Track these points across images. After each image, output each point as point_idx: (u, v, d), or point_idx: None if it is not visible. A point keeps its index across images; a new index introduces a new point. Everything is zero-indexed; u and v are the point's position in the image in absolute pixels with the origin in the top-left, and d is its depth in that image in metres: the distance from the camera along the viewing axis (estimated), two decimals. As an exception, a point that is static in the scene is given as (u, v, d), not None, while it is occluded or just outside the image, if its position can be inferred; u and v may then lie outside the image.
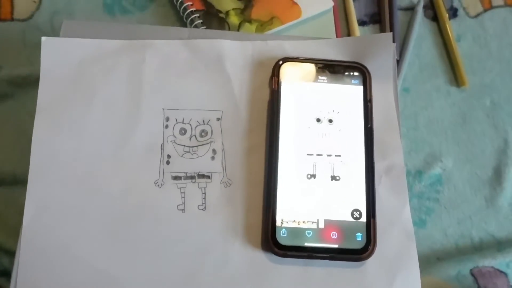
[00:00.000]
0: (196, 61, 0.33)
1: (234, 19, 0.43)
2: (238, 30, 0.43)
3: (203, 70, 0.33)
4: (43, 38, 0.32)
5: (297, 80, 0.32)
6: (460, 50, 0.47)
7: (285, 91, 0.32)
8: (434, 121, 0.45)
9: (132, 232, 0.29)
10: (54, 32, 0.44)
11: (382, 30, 0.47)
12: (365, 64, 0.33)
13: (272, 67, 0.33)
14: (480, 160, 0.44)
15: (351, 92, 0.32)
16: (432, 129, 0.45)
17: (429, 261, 0.41)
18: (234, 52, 0.33)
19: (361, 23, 0.47)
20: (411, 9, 0.48)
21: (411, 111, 0.45)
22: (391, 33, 0.33)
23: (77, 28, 0.33)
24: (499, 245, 0.42)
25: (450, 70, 0.47)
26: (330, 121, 0.31)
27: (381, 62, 0.33)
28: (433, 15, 0.49)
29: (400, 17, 0.48)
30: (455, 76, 0.47)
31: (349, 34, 0.47)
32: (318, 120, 0.31)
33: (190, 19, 0.43)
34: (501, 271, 0.41)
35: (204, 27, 0.42)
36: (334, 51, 0.34)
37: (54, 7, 0.44)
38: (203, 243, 0.29)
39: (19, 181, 0.38)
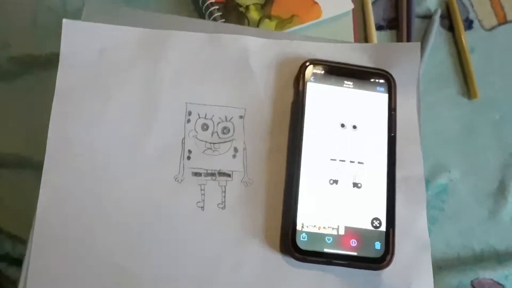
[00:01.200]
0: (221, 56, 0.32)
1: (254, 14, 0.42)
2: (257, 25, 0.42)
3: (227, 66, 0.32)
4: (64, 21, 0.31)
5: (322, 83, 0.32)
6: (473, 61, 0.47)
7: (310, 93, 0.31)
8: (442, 131, 0.46)
9: (149, 227, 0.28)
10: (66, 13, 0.42)
11: (399, 36, 0.47)
12: (391, 71, 0.33)
13: (296, 67, 0.32)
14: (485, 172, 0.45)
15: (376, 99, 0.32)
16: (439, 139, 0.45)
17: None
18: (259, 49, 0.33)
19: (379, 27, 0.47)
20: (429, 17, 0.48)
21: (421, 120, 0.46)
22: (419, 43, 0.33)
23: (99, 12, 0.32)
24: (499, 257, 0.42)
25: (462, 81, 0.48)
26: (354, 127, 0.31)
27: (406, 71, 0.33)
28: (449, 25, 0.49)
29: (417, 25, 0.48)
30: (467, 88, 0.47)
31: (366, 38, 0.46)
32: (343, 125, 0.31)
33: (209, 11, 0.42)
34: (499, 284, 0.41)
35: (223, 20, 0.41)
36: (359, 56, 0.34)
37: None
38: (221, 242, 0.29)
39: (24, 164, 0.37)
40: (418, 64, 0.33)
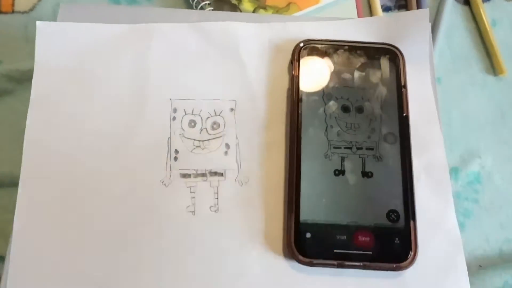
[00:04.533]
0: (207, 46, 0.29)
1: (247, 6, 0.40)
2: (252, 17, 0.39)
3: (214, 56, 0.29)
4: (38, 23, 0.29)
5: (320, 65, 0.29)
6: (495, 36, 0.43)
7: (307, 77, 0.28)
8: (470, 116, 0.41)
9: (137, 237, 0.26)
10: (56, 24, 0.41)
11: (409, 16, 0.43)
12: (398, 44, 0.29)
13: (291, 52, 0.29)
14: (522, 156, 0.40)
15: (382, 77, 0.28)
16: (467, 124, 0.41)
17: (470, 269, 0.36)
18: (249, 36, 0.30)
19: (385, 8, 0.44)
20: (440, -8, 0.44)
21: (443, 105, 0.41)
22: (427, 9, 0.29)
23: (76, 12, 0.30)
24: (549, 250, 0.37)
25: (485, 58, 0.43)
26: (360, 110, 0.28)
27: (416, 44, 0.29)
28: (465, -1, 0.45)
29: (428, 2, 0.44)
30: (491, 64, 0.43)
31: (372, 21, 0.43)
32: (346, 109, 0.28)
33: (200, 6, 0.39)
34: (553, 280, 0.36)
35: (215, 14, 0.39)
36: (361, 33, 0.30)
37: (56, -2, 0.42)
38: (216, 250, 0.25)
39: (17, 183, 0.35)
40: (429, 34, 0.29)
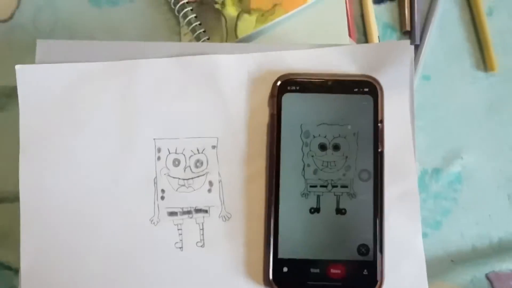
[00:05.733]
0: (188, 81, 0.30)
1: (231, 10, 0.38)
2: (236, 22, 0.38)
3: (196, 92, 0.30)
4: (17, 67, 0.29)
5: (299, 101, 0.29)
6: (491, 26, 0.41)
7: (285, 114, 0.29)
8: (456, 112, 0.41)
9: (130, 272, 0.28)
10: (37, 32, 0.40)
11: (401, 7, 0.42)
12: (378, 74, 0.29)
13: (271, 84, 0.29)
14: (507, 155, 0.41)
15: (360, 112, 0.29)
16: (453, 121, 0.41)
17: (442, 265, 0.39)
18: (230, 68, 0.30)
19: (377, 1, 0.42)
20: (435, -21, 0.42)
21: (431, 102, 0.41)
22: (408, 40, 0.29)
23: (54, 48, 0.30)
24: (520, 246, 0.40)
25: (477, 52, 0.42)
26: (336, 147, 0.29)
27: (397, 72, 0.29)
28: (461, -14, 0.42)
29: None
30: (483, 59, 0.42)
31: (362, 16, 0.41)
32: (323, 147, 0.29)
33: (183, 12, 0.38)
34: (519, 273, 0.39)
35: (198, 22, 0.38)
36: (343, 61, 0.30)
37: (35, 3, 0.41)
38: (204, 282, 0.28)
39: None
40: (410, 64, 0.29)
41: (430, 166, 0.41)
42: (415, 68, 0.41)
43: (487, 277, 0.39)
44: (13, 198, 0.38)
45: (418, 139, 0.39)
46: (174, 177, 0.29)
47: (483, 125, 0.41)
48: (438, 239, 0.40)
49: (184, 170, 0.29)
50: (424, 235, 0.38)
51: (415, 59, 0.40)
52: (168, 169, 0.29)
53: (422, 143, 0.41)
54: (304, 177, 0.28)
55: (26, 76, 0.29)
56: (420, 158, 0.40)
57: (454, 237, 0.40)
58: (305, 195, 0.28)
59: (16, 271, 0.37)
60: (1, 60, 0.40)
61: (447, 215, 0.40)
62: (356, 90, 0.29)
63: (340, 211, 0.28)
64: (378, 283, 0.28)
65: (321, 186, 0.28)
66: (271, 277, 0.28)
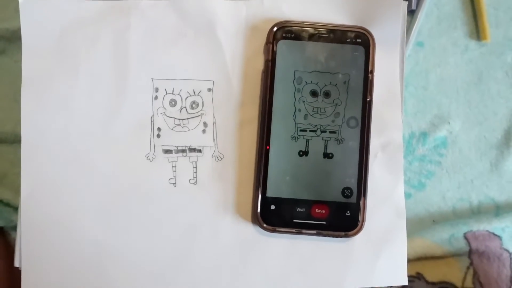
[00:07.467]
0: (185, 26, 0.31)
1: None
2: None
3: (192, 37, 0.31)
4: (21, 1, 0.30)
5: (293, 48, 0.30)
6: (486, -5, 0.42)
7: (280, 60, 0.30)
8: (447, 79, 0.42)
9: (126, 206, 0.30)
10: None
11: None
12: (371, 28, 0.30)
13: (268, 31, 0.30)
14: (491, 122, 0.42)
15: (352, 62, 0.30)
16: (443, 88, 0.42)
17: (423, 223, 0.41)
18: (226, 14, 0.31)
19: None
20: None
21: (423, 68, 0.42)
22: (402, -3, 0.29)
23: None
24: (498, 210, 0.41)
25: (471, 20, 0.43)
26: (327, 94, 0.30)
27: (389, 26, 0.30)
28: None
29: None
30: (476, 29, 0.43)
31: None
32: (314, 93, 0.30)
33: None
34: (495, 234, 0.41)
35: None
36: (337, 12, 0.31)
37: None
38: (194, 217, 0.30)
39: (20, 140, 0.39)
40: (402, 18, 0.30)
41: (417, 130, 0.42)
42: (410, 34, 0.42)
43: (465, 236, 0.41)
44: (13, 140, 0.39)
45: (409, 103, 0.40)
46: (170, 117, 0.30)
47: (472, 92, 0.42)
48: (421, 199, 0.41)
49: (180, 111, 0.30)
50: (408, 195, 0.40)
51: (410, 25, 0.41)
52: (165, 108, 0.30)
53: (411, 108, 0.42)
54: (295, 122, 0.30)
55: (28, 11, 0.30)
56: (409, 122, 0.42)
57: (436, 199, 0.42)
58: (295, 138, 0.30)
59: (15, 208, 0.38)
60: (2, 6, 0.40)
61: (431, 178, 0.42)
62: (349, 40, 0.30)
63: (327, 155, 0.29)
64: (359, 224, 0.29)
65: (311, 130, 0.30)
66: (259, 213, 0.29)
